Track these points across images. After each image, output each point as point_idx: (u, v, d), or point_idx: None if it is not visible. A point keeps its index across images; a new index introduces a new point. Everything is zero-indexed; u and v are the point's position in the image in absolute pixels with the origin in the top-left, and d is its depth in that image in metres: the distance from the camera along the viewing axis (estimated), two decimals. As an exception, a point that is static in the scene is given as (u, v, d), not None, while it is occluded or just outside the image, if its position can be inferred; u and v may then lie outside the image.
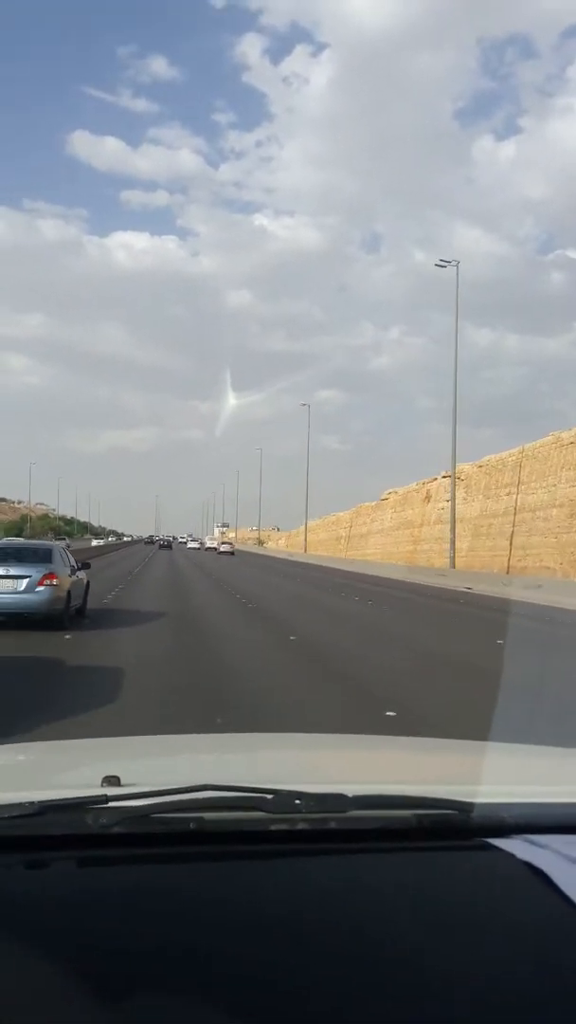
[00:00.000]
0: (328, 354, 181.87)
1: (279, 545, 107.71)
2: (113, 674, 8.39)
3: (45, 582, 12.20)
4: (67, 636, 11.74)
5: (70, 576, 13.16)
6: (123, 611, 15.68)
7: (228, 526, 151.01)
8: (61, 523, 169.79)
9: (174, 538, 50.05)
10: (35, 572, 12.21)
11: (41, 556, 13.02)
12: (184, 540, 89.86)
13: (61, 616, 12.38)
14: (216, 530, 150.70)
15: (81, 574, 14.16)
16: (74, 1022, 0.82)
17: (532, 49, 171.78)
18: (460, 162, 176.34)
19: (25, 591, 12.10)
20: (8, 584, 12.17)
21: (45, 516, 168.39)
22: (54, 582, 12.27)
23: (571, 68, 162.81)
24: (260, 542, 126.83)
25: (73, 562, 14.01)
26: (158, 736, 3.41)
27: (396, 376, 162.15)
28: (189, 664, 9.82)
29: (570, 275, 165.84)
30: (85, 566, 14.66)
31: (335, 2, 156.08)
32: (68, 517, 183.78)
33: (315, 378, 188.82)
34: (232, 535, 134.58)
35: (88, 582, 14.91)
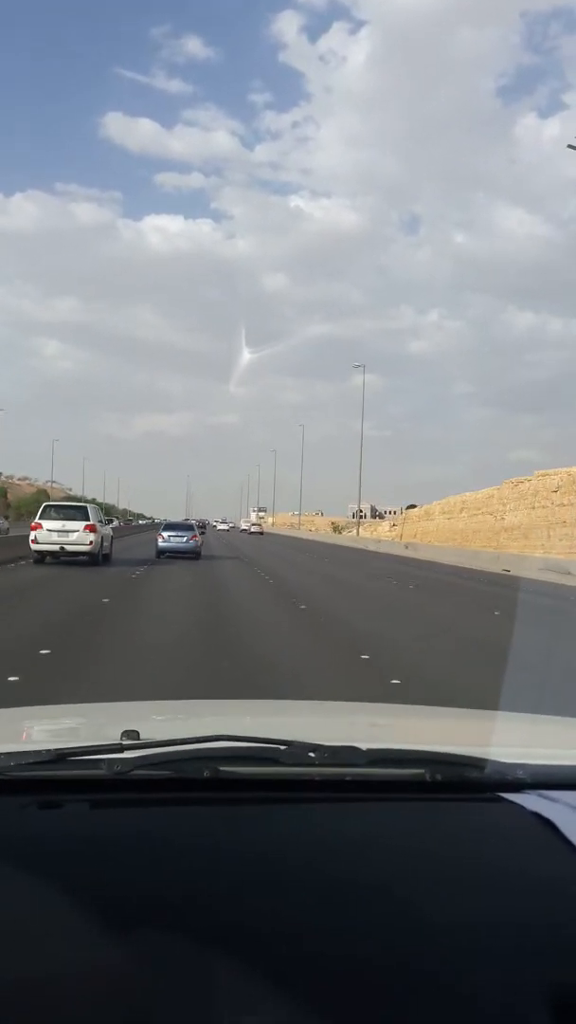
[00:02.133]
0: (365, 337, 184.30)
1: (377, 533, 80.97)
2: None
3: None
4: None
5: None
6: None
7: (265, 510, 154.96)
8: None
9: (207, 522, 53.70)
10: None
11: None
12: (215, 524, 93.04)
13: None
14: (253, 514, 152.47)
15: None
16: (76, 955, 0.85)
17: None
18: (502, 141, 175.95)
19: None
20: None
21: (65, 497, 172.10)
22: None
23: None
24: (337, 528, 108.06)
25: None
26: (179, 700, 3.44)
27: (435, 360, 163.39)
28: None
29: None
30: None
31: None
32: (90, 499, 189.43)
33: (352, 361, 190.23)
34: (271, 520, 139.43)
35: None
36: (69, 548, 20.25)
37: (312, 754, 1.22)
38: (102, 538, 21.27)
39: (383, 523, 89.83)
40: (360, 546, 54.71)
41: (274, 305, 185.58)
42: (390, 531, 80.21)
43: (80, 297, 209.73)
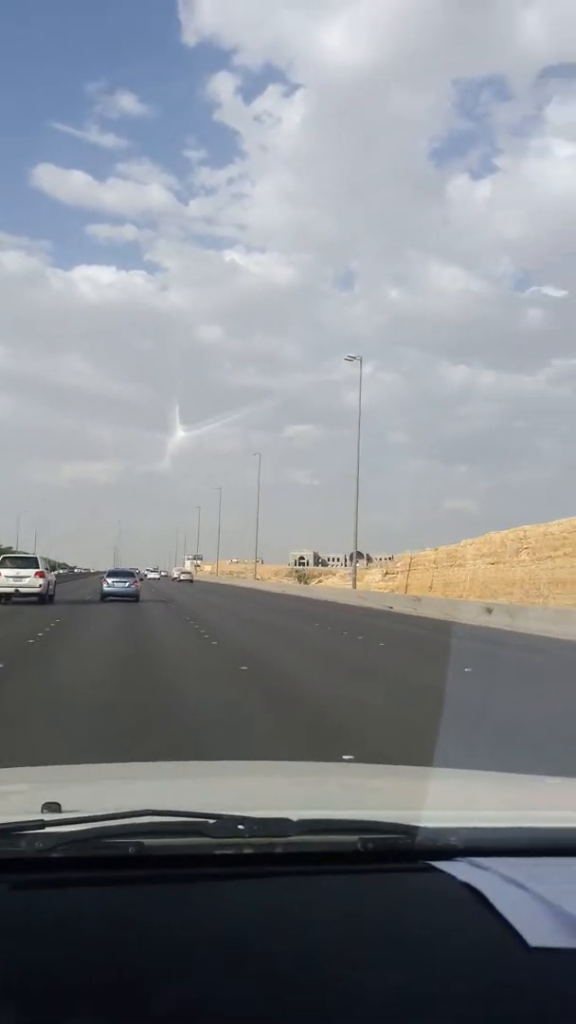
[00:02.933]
0: (302, 389, 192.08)
1: (365, 583, 61.17)
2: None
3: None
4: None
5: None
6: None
7: (201, 558, 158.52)
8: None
9: (138, 570, 51.31)
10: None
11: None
12: (145, 573, 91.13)
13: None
14: (187, 562, 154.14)
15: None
16: None
17: (508, 91, 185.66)
18: (436, 201, 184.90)
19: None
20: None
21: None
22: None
23: (547, 108, 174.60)
24: (302, 579, 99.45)
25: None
26: (100, 764, 3.26)
27: (371, 412, 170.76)
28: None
29: (546, 312, 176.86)
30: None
31: (309, 42, 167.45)
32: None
33: (288, 412, 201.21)
34: (208, 568, 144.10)
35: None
36: (23, 590, 25.82)
37: (241, 826, 1.19)
38: (48, 582, 27.51)
39: (371, 570, 77.47)
40: (358, 602, 38.80)
41: (209, 356, 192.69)
42: (383, 581, 64.02)
43: (6, 344, 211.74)
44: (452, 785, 2.09)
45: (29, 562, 27.74)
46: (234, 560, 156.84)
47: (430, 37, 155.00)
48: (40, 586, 26.22)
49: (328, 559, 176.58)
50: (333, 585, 71.23)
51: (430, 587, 53.31)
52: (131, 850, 1.14)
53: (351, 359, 46.42)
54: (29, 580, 25.96)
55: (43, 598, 26.35)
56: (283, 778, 2.25)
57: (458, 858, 1.21)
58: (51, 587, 27.94)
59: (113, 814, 1.20)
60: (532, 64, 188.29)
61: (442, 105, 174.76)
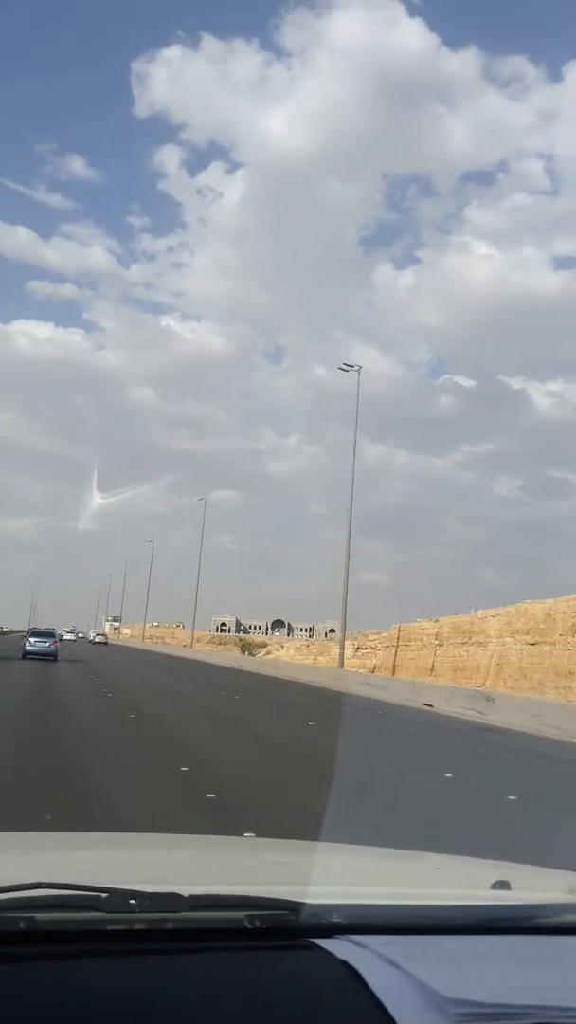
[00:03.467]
0: (228, 455, 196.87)
1: (329, 657, 55.33)
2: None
3: None
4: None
5: None
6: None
7: (120, 620, 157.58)
8: None
9: (54, 630, 51.56)
10: None
11: None
12: (62, 634, 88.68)
13: None
14: (107, 624, 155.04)
15: None
16: None
17: (432, 188, 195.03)
18: (362, 286, 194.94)
19: None
20: None
21: None
22: None
23: (467, 209, 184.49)
24: (246, 648, 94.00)
25: None
26: None
27: (292, 481, 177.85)
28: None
29: (457, 399, 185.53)
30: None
31: (252, 126, 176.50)
32: None
33: (214, 477, 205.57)
34: (127, 630, 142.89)
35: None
36: None
37: (133, 900, 1.21)
38: None
39: (329, 643, 67.76)
40: (364, 691, 28.96)
41: (140, 417, 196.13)
42: (357, 658, 54.59)
43: None
44: (337, 860, 2.16)
45: None
46: (155, 624, 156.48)
47: (363, 132, 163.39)
48: None
49: (250, 626, 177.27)
50: (291, 659, 59.57)
51: (431, 669, 42.60)
52: (22, 925, 1.14)
53: (347, 368, 39.69)
54: None
55: None
56: (175, 850, 2.32)
57: (339, 935, 1.26)
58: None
59: (6, 886, 1.20)
60: (455, 167, 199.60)
61: (372, 196, 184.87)
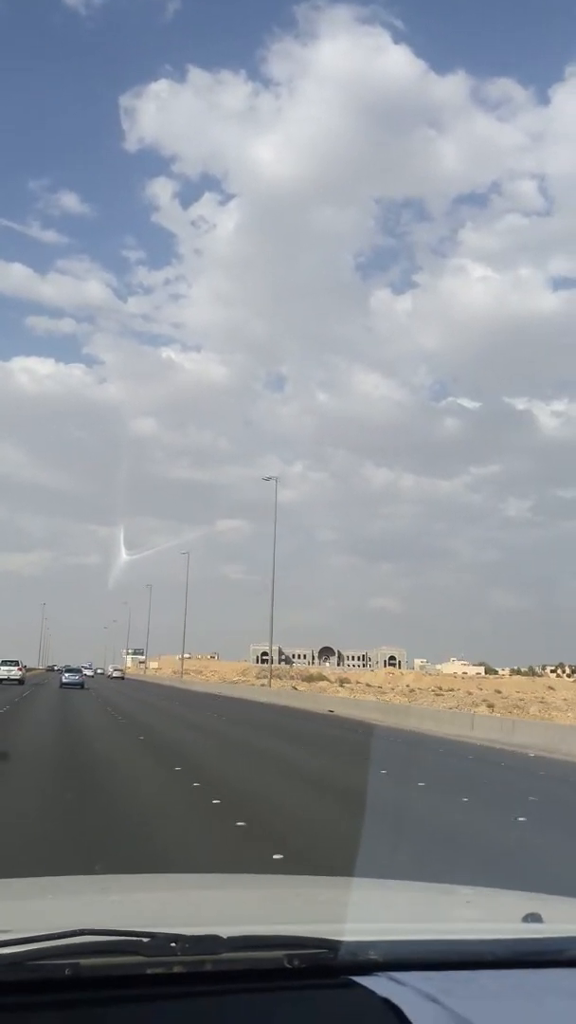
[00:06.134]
0: (233, 484, 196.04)
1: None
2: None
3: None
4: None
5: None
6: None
7: (142, 652, 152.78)
8: None
9: (80, 669, 57.04)
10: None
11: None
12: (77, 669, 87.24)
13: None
14: (128, 658, 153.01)
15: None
16: None
17: (426, 212, 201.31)
18: (360, 312, 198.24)
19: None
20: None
21: None
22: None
23: (462, 231, 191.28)
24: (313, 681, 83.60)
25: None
26: (33, 879, 3.49)
27: (299, 509, 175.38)
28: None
29: (462, 421, 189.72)
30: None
31: (243, 156, 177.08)
32: None
33: (220, 507, 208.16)
34: (154, 664, 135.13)
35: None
36: (12, 677, 50.77)
37: (174, 944, 1.26)
38: (23, 674, 54.51)
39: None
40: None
41: (143, 448, 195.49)
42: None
43: None
44: (371, 896, 2.23)
45: (14, 662, 53.82)
46: (185, 656, 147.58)
47: (354, 158, 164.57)
48: (21, 675, 53.36)
49: (293, 655, 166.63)
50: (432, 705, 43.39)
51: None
52: (67, 972, 1.18)
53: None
54: (14, 671, 51.91)
55: (21, 681, 51.90)
56: (211, 891, 2.43)
57: (377, 972, 1.31)
58: (24, 676, 55.39)
59: (47, 935, 1.23)
60: (448, 190, 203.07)
61: (366, 222, 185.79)
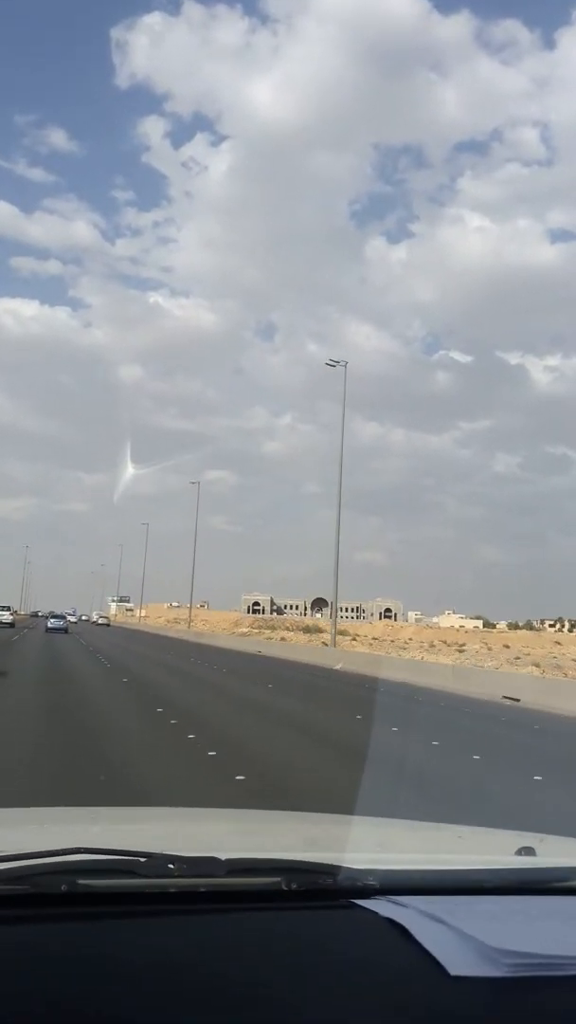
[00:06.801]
0: (221, 435, 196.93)
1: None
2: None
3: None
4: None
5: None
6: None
7: (128, 600, 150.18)
8: None
9: (65, 615, 62.56)
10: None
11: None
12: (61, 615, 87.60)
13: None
14: (113, 606, 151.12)
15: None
16: None
17: (425, 159, 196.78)
18: (354, 261, 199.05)
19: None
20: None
21: None
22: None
23: (461, 180, 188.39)
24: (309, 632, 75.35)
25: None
26: (33, 808, 3.60)
27: (287, 461, 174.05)
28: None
29: (454, 375, 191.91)
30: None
31: (237, 96, 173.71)
32: None
33: (207, 457, 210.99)
34: (142, 612, 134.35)
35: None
36: (4, 621, 56.57)
37: (171, 865, 1.28)
38: (12, 618, 61.60)
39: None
40: None
41: (129, 395, 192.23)
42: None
43: None
44: (369, 830, 2.29)
45: (6, 607, 61.33)
46: (174, 604, 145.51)
47: (352, 101, 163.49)
48: (11, 619, 59.86)
49: (285, 606, 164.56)
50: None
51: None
52: (63, 887, 1.20)
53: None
54: (5, 616, 58.08)
55: (12, 625, 57.23)
56: (212, 822, 2.48)
57: (377, 896, 1.31)
58: (14, 620, 62.48)
59: (45, 851, 1.27)
60: (447, 136, 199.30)
61: (363, 168, 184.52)
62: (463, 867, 1.60)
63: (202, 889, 1.27)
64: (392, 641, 71.54)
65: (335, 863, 1.37)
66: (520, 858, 1.62)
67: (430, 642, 67.39)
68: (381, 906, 1.26)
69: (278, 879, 1.29)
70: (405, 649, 53.86)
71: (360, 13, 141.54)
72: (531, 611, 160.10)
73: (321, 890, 1.31)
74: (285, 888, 1.28)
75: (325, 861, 1.38)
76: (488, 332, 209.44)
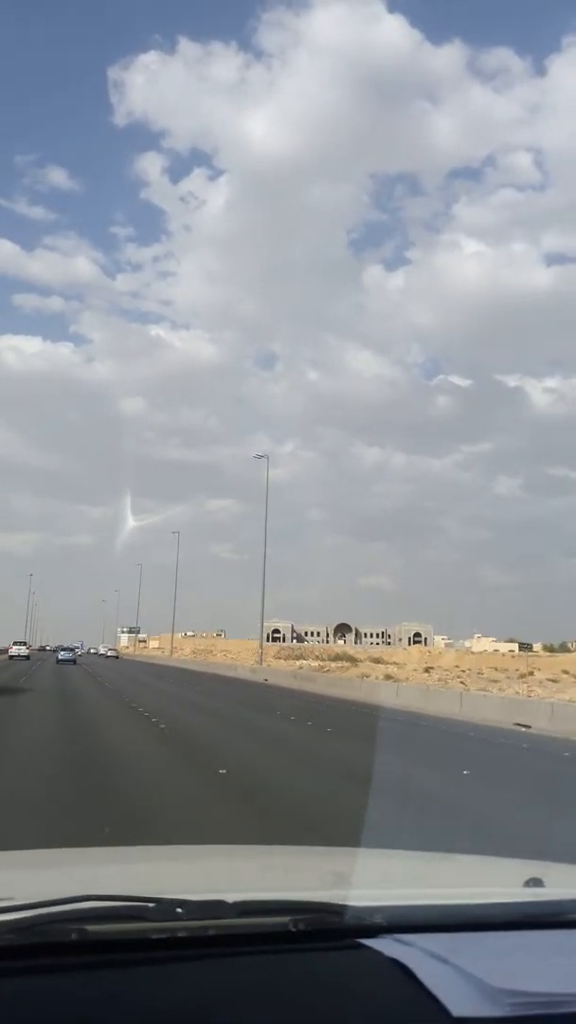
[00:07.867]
0: (223, 464, 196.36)
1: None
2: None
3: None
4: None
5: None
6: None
7: (139, 631, 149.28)
8: None
9: (74, 648, 70.27)
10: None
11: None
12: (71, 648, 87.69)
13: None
14: (123, 637, 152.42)
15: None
16: None
17: (420, 187, 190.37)
18: (352, 289, 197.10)
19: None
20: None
21: None
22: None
23: (456, 206, 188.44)
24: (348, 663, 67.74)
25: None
26: (41, 850, 3.65)
27: (289, 488, 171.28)
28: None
29: (454, 400, 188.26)
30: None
31: (233, 131, 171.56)
32: None
33: (210, 486, 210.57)
34: (155, 642, 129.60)
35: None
36: (22, 653, 72.13)
37: (180, 909, 1.27)
38: (29, 652, 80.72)
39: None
40: None
41: (133, 428, 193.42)
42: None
43: None
44: (374, 864, 2.24)
45: (23, 643, 79.18)
46: (188, 633, 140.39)
47: (347, 132, 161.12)
48: (27, 652, 75.14)
49: (306, 632, 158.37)
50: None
51: None
52: (73, 936, 1.20)
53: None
54: (23, 650, 73.18)
55: (28, 658, 68.85)
56: (216, 860, 2.47)
57: (383, 935, 1.32)
58: (28, 654, 76.89)
59: (54, 900, 1.26)
60: (442, 164, 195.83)
61: (359, 197, 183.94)
62: (469, 901, 1.59)
63: (211, 932, 1.28)
64: (464, 670, 63.14)
65: (341, 901, 1.38)
66: (528, 890, 1.62)
67: (500, 670, 59.61)
68: (386, 945, 1.27)
69: (286, 919, 1.30)
70: (496, 682, 46.45)
71: (352, 45, 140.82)
72: (553, 632, 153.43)
73: (328, 930, 1.31)
74: (292, 929, 1.29)
75: (331, 900, 1.39)
76: (487, 356, 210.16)
